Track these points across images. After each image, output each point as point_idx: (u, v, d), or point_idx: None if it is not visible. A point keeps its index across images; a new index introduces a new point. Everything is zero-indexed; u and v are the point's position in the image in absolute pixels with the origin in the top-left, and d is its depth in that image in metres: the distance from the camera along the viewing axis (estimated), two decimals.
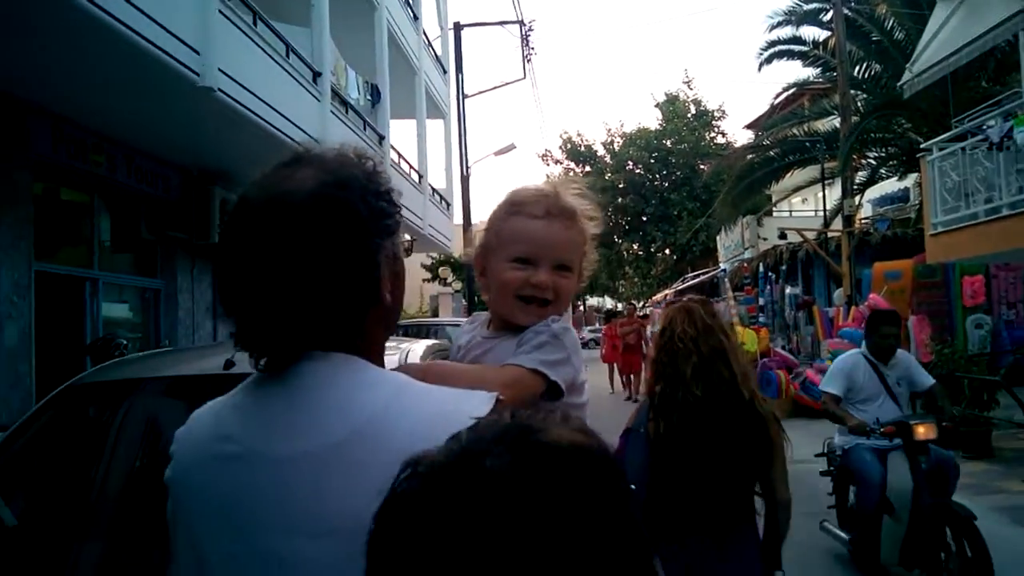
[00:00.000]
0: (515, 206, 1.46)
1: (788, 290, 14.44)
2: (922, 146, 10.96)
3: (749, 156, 18.17)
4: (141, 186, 10.52)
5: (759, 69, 16.68)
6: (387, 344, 1.22)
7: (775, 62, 16.82)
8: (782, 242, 16.04)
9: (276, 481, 0.98)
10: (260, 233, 1.02)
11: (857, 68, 15.81)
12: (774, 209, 30.48)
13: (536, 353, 1.32)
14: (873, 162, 17.50)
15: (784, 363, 13.64)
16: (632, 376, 16.49)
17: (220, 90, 8.76)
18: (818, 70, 16.94)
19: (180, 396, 2.94)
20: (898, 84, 11.97)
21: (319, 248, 1.02)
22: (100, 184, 9.87)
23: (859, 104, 15.81)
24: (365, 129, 14.24)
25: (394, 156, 16.83)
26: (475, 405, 0.98)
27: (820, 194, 31.44)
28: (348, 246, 1.04)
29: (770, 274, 14.76)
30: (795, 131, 17.04)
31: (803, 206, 32.17)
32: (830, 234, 15.63)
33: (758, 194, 19.11)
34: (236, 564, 0.99)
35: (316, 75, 11.55)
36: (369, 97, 15.09)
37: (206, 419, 1.09)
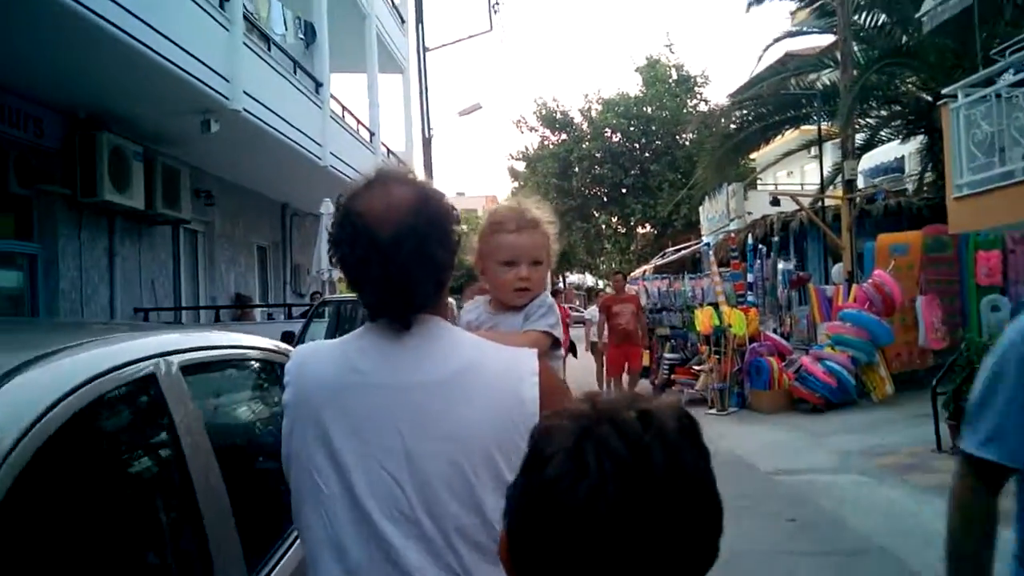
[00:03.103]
0: (496, 225, 1.97)
1: (780, 265, 12.68)
2: (944, 91, 9.20)
3: (736, 114, 16.34)
4: (2, 128, 8.60)
5: (747, 9, 14.85)
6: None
7: (765, 3, 14.92)
8: (774, 210, 14.27)
9: (404, 400, 1.42)
10: (389, 239, 1.42)
11: (859, 15, 13.96)
12: (758, 181, 28.78)
13: (542, 320, 1.93)
14: (873, 122, 15.69)
15: (776, 349, 11.94)
16: (630, 376, 12.14)
17: (90, 10, 6.99)
18: (814, 15, 15.07)
19: None
20: (918, 15, 10.18)
21: (429, 247, 1.45)
22: None
23: (859, 58, 14.00)
24: (296, 72, 12.32)
25: (337, 109, 14.90)
26: (528, 356, 1.52)
27: (805, 166, 29.95)
28: (446, 251, 1.50)
29: (760, 247, 12.96)
30: (790, 83, 15.17)
31: (788, 179, 30.52)
32: (827, 202, 13.86)
33: (745, 156, 17.29)
34: (372, 458, 1.42)
35: None
36: (302, 36, 13.14)
37: (327, 357, 1.51)
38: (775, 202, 13.87)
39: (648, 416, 0.83)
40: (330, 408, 1.44)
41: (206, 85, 9.21)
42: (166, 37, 8.29)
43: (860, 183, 19.39)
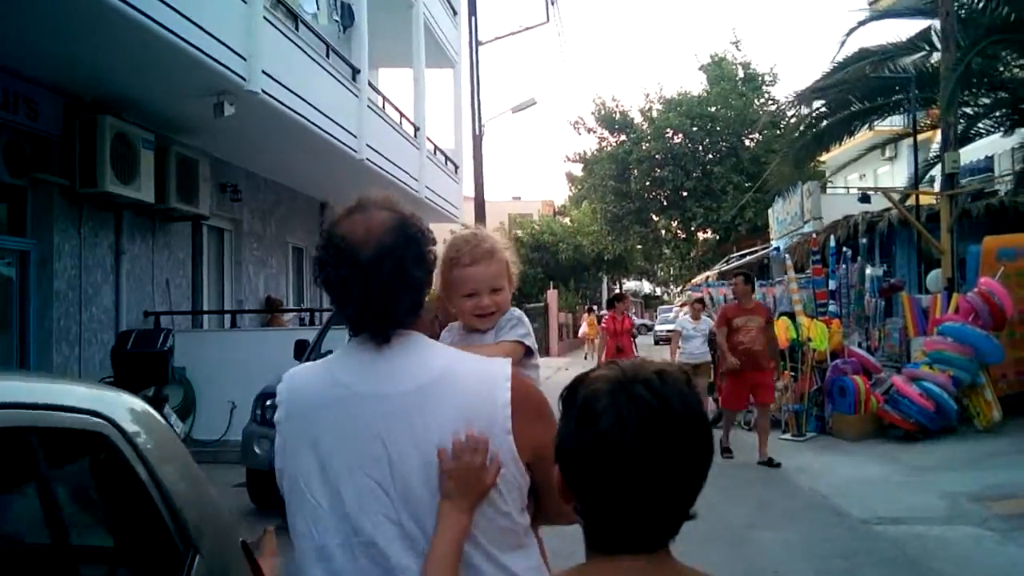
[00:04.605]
0: (452, 260, 2.03)
1: (868, 271, 11.16)
2: None
3: (815, 104, 14.75)
4: None
5: None
6: None
7: None
8: (857, 210, 12.64)
9: (385, 409, 1.52)
10: (369, 258, 1.53)
11: None
12: (828, 184, 27.04)
13: (513, 332, 2.04)
14: (971, 112, 13.96)
15: (862, 366, 10.44)
16: (759, 409, 9.51)
17: None
18: None
19: None
20: None
21: (407, 266, 1.56)
22: None
23: (960, 39, 12.41)
24: (329, 55, 11.23)
25: (377, 100, 13.82)
26: (501, 363, 1.61)
27: (879, 168, 28.04)
28: (422, 270, 1.61)
29: (845, 250, 11.42)
30: (878, 70, 13.51)
31: (861, 183, 28.68)
32: (923, 199, 12.24)
33: (826, 150, 15.64)
34: (357, 466, 1.52)
35: None
36: (337, 18, 12.09)
37: (313, 375, 1.64)
38: (865, 198, 12.28)
39: (664, 375, 1.15)
40: (316, 421, 1.57)
41: (219, 63, 8.15)
42: (173, 7, 7.26)
43: (938, 185, 17.69)
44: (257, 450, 6.94)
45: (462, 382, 1.56)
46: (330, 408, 1.55)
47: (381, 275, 1.52)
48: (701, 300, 12.53)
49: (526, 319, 2.14)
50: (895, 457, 9.06)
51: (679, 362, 11.37)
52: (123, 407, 1.64)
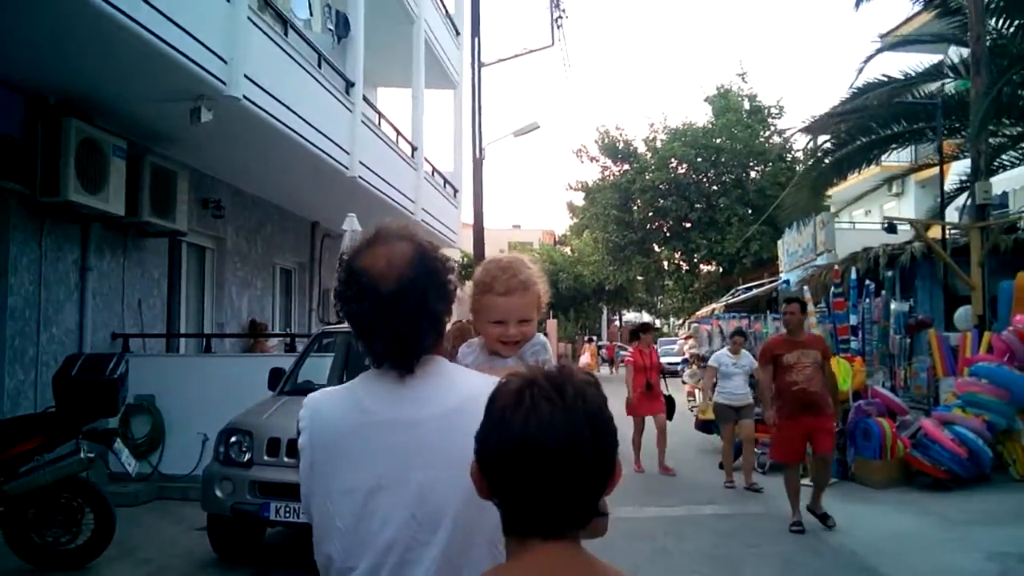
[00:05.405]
0: (485, 286, 2.07)
1: (893, 305, 10.41)
2: None
3: (833, 130, 14.05)
4: None
5: (856, 7, 12.57)
6: None
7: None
8: (887, 238, 11.88)
9: (412, 435, 1.52)
10: (392, 293, 1.54)
11: (991, 18, 11.60)
12: (835, 220, 26.41)
13: (536, 358, 2.05)
14: (994, 143, 13.25)
15: (887, 408, 9.66)
16: (816, 459, 7.77)
17: None
18: (934, 13, 12.79)
19: None
20: None
21: (430, 300, 1.58)
22: None
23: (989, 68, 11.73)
24: (321, 66, 10.56)
25: (373, 116, 13.15)
26: None
27: (885, 204, 27.44)
28: (444, 302, 1.62)
29: (868, 283, 10.66)
30: (903, 96, 12.85)
31: (867, 218, 28.05)
32: (950, 231, 11.55)
33: (846, 177, 14.92)
34: (385, 491, 1.52)
35: None
36: (331, 27, 11.44)
37: (337, 401, 1.64)
38: (891, 228, 11.53)
39: (564, 371, 1.20)
40: (344, 447, 1.56)
41: (197, 64, 7.47)
42: (146, 2, 6.60)
43: (959, 216, 16.98)
44: (219, 493, 6.11)
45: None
46: (357, 434, 1.56)
47: (404, 310, 1.54)
48: (741, 331, 10.95)
49: (549, 345, 2.16)
50: (927, 508, 8.26)
51: (719, 403, 10.24)
52: None
